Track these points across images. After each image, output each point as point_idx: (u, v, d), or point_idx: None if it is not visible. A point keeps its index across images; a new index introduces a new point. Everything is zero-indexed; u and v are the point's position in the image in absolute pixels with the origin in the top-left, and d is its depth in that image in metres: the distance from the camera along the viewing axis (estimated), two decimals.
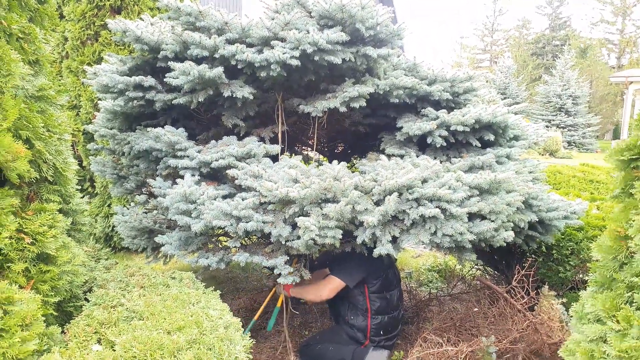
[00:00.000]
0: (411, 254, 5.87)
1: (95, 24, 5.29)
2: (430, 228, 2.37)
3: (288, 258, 2.54)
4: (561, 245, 3.56)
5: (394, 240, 2.44)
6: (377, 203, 2.41)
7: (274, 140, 3.16)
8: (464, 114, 2.93)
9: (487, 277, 4.14)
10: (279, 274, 2.53)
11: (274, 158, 2.95)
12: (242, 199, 2.49)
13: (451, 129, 2.95)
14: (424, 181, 2.47)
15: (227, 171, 2.62)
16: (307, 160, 4.48)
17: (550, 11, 36.80)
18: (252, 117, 3.19)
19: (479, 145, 3.07)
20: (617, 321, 1.63)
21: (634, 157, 1.76)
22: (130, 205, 3.77)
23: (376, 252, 2.38)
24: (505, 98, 23.09)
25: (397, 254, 2.49)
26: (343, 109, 2.81)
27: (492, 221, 2.46)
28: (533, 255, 3.59)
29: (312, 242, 2.32)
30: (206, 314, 2.12)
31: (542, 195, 2.95)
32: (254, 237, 2.86)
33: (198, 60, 2.83)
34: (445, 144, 3.02)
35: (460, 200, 2.42)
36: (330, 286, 3.00)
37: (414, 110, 3.24)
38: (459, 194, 2.40)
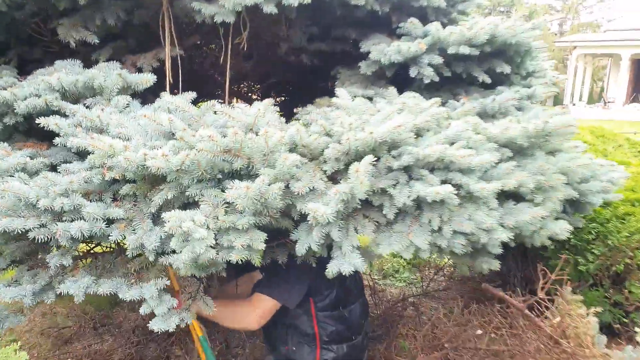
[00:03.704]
0: None
1: None
2: (431, 221, 1.25)
3: (167, 281, 1.35)
4: (581, 227, 2.59)
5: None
6: (334, 177, 1.26)
7: (159, 74, 1.90)
8: (471, 27, 1.80)
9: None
10: (152, 314, 1.34)
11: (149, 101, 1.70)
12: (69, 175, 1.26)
13: (449, 52, 1.82)
14: (418, 134, 1.34)
15: (41, 120, 1.35)
16: None
17: None
18: (120, 35, 1.91)
19: (489, 80, 1.97)
20: None
21: None
22: None
23: (332, 271, 1.25)
24: None
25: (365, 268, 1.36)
26: (271, 8, 1.59)
27: (538, 204, 1.38)
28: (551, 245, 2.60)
29: (207, 259, 1.14)
30: None
31: (584, 160, 1.91)
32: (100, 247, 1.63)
33: None
34: (438, 78, 1.89)
35: (483, 169, 1.31)
36: (260, 311, 1.85)
37: (386, 26, 2.07)
38: (483, 156, 1.28)
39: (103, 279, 1.37)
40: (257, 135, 1.17)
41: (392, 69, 1.94)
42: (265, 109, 1.29)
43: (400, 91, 2.07)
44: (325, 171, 1.23)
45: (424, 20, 2.05)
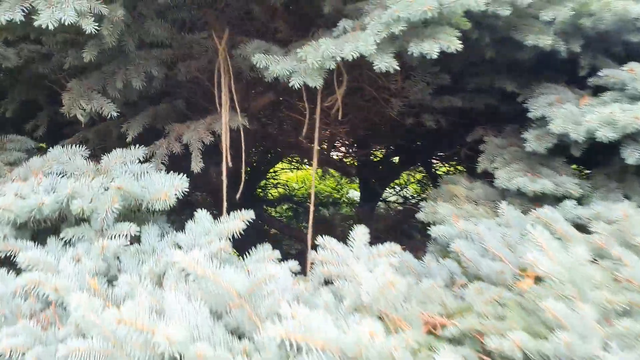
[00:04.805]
0: None
1: None
2: None
3: None
4: None
5: None
6: None
7: (211, 154, 1.29)
8: None
9: None
10: None
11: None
12: None
13: None
14: None
15: None
16: (324, 172, 2.63)
17: None
18: (163, 96, 1.34)
19: None
20: None
21: None
22: None
23: None
24: None
25: None
26: (385, 63, 0.89)
27: None
28: None
29: None
30: None
31: None
32: None
33: None
34: None
35: None
36: None
37: (563, 71, 1.28)
38: None
39: None
40: None
41: (583, 145, 1.14)
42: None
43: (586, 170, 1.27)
44: None
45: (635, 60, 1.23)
